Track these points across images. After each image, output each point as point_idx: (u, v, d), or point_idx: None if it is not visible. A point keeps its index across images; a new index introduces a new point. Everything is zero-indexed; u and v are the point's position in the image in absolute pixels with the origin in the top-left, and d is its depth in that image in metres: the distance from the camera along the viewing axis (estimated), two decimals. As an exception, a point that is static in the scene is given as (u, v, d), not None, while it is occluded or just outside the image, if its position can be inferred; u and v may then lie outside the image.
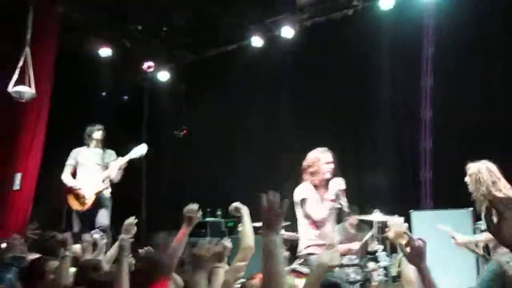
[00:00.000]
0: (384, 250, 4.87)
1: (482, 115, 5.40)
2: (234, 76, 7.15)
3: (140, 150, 5.28)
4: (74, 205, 5.24)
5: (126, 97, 7.93)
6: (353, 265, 4.60)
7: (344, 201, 3.76)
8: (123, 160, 5.24)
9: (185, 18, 6.59)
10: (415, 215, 5.17)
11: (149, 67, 7.26)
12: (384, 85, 6.20)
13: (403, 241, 2.28)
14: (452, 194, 5.06)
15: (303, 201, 3.79)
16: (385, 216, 4.84)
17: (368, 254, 5.14)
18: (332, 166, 3.81)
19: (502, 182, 3.37)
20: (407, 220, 5.10)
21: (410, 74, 6.02)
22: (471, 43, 5.47)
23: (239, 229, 3.08)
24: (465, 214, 4.67)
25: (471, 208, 4.53)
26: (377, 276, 4.65)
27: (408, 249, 1.83)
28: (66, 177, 5.29)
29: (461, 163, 5.29)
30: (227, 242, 2.69)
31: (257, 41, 6.43)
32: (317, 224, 3.81)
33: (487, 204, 1.21)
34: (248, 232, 2.90)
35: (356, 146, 6.47)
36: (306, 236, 3.87)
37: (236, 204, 3.16)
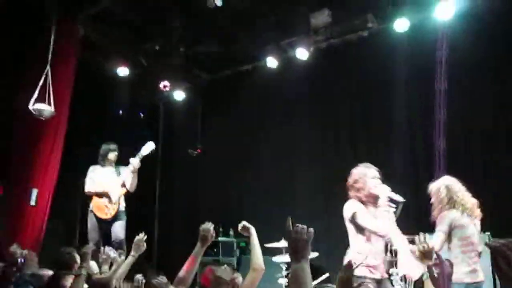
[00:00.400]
0: (398, 274, 4.79)
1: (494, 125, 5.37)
2: (249, 96, 7.23)
3: (148, 147, 5.37)
4: (99, 213, 5.33)
5: (142, 115, 8.04)
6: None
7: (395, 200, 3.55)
8: (135, 161, 5.32)
9: (202, 38, 6.72)
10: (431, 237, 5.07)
11: (165, 86, 7.38)
12: (399, 106, 6.19)
13: (430, 262, 2.24)
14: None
15: (354, 215, 3.63)
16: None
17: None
18: (378, 181, 3.68)
19: (461, 195, 3.63)
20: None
21: (425, 97, 6.01)
22: (484, 62, 5.47)
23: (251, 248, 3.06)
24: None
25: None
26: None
27: (435, 271, 1.81)
28: (90, 187, 5.39)
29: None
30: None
31: (272, 62, 6.48)
32: (372, 238, 3.61)
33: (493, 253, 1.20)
34: (257, 253, 2.89)
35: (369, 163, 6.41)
36: (358, 252, 3.64)
37: (244, 223, 3.15)
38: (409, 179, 5.99)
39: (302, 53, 6.20)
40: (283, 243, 5.02)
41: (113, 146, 5.54)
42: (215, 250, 6.59)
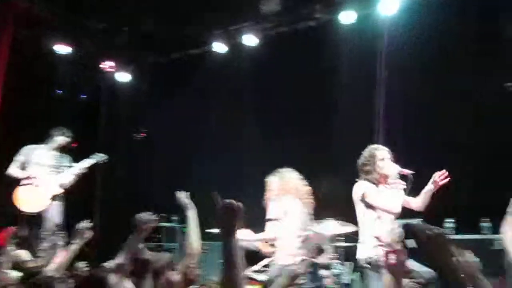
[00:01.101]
0: (337, 258, 4.99)
1: (435, 127, 5.65)
2: (197, 81, 7.12)
3: (96, 159, 5.24)
4: (26, 206, 4.99)
5: (84, 96, 7.72)
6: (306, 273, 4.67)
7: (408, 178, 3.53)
8: (80, 167, 5.15)
9: (150, 20, 6.54)
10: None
11: (110, 67, 7.12)
12: (343, 96, 6.38)
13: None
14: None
15: (364, 195, 3.62)
16: (340, 225, 4.97)
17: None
18: (388, 162, 3.67)
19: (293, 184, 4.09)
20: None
21: (367, 87, 6.23)
22: (423, 56, 5.73)
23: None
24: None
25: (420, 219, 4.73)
26: (330, 284, 4.75)
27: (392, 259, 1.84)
28: (14, 171, 5.05)
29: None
30: None
31: (220, 47, 6.44)
32: (383, 217, 3.59)
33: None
34: (192, 236, 2.80)
35: (316, 154, 6.59)
36: (372, 234, 3.59)
37: (184, 197, 3.01)
38: (351, 167, 6.22)
39: (250, 40, 6.21)
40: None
41: (69, 133, 5.31)
42: (157, 236, 6.51)
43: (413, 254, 2.19)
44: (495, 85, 5.04)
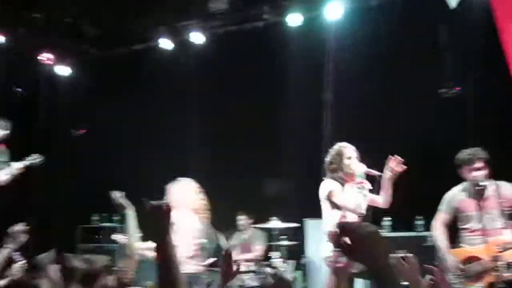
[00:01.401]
0: (280, 256, 5.07)
1: (379, 127, 5.87)
2: (142, 77, 6.94)
3: (34, 160, 4.98)
4: None
5: (19, 90, 7.28)
6: (249, 271, 4.72)
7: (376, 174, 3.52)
8: (16, 167, 4.87)
9: (93, 12, 6.28)
10: (309, 223, 5.43)
11: (48, 59, 6.76)
12: (290, 97, 6.48)
13: None
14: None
15: (329, 194, 3.61)
16: (283, 223, 5.05)
17: (264, 260, 5.31)
18: (354, 160, 3.64)
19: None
20: (301, 227, 5.37)
21: (314, 89, 6.38)
22: (369, 61, 5.95)
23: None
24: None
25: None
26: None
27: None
28: None
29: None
30: None
31: (166, 44, 6.32)
32: (347, 215, 3.56)
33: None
34: (132, 236, 2.70)
35: (260, 152, 6.64)
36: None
37: (120, 196, 2.94)
38: (299, 167, 6.34)
39: (197, 37, 6.16)
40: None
41: (8, 124, 4.97)
42: (97, 236, 6.28)
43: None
44: (431, 88, 5.31)
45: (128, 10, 6.20)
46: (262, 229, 5.35)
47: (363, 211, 3.51)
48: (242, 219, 5.61)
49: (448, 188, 3.81)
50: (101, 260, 2.27)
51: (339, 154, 3.68)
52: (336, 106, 6.14)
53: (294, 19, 5.82)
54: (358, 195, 3.47)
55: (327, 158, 3.75)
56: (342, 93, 6.14)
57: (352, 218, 3.49)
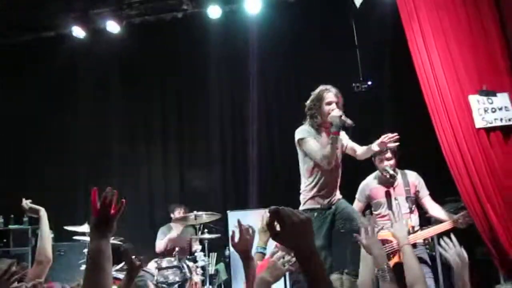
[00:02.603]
0: (202, 250, 5.05)
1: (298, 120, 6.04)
2: (52, 66, 6.46)
3: None
4: None
5: None
6: (172, 267, 4.64)
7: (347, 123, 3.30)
8: None
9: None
10: (231, 214, 5.47)
11: None
12: (210, 90, 6.46)
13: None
14: (273, 196, 5.59)
15: (300, 141, 3.43)
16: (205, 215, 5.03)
17: (188, 255, 5.27)
18: (333, 106, 3.39)
19: None
20: (225, 219, 5.40)
21: (234, 81, 6.42)
22: (288, 55, 6.10)
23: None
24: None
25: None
26: (195, 276, 4.79)
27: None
28: None
29: (275, 168, 5.85)
30: None
31: (78, 32, 5.96)
32: (318, 170, 3.41)
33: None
34: (44, 241, 2.51)
35: (181, 144, 6.56)
36: (304, 186, 3.50)
37: (27, 202, 2.72)
38: (221, 159, 6.36)
39: (112, 26, 5.88)
40: (85, 228, 4.75)
41: None
42: (4, 240, 5.78)
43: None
44: (347, 83, 5.58)
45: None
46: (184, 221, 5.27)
47: (329, 164, 3.33)
48: (175, 212, 5.50)
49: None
50: (4, 263, 2.06)
51: (319, 99, 3.44)
52: (258, 99, 6.24)
53: (213, 11, 5.78)
54: (330, 146, 3.29)
55: (307, 102, 3.50)
56: (263, 86, 6.26)
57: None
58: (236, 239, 2.20)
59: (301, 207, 3.48)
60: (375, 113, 5.42)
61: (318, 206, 3.43)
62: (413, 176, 3.87)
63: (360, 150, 3.61)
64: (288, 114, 6.15)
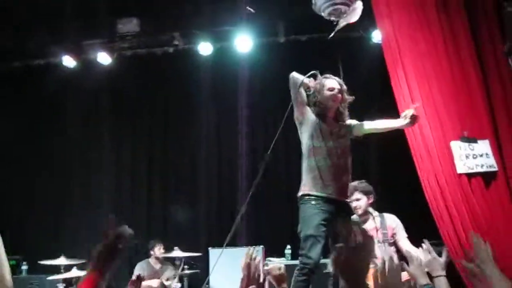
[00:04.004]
0: (181, 287, 4.92)
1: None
2: (39, 95, 6.44)
3: None
4: None
5: None
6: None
7: None
8: None
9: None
10: (213, 252, 5.37)
11: None
12: (200, 124, 6.48)
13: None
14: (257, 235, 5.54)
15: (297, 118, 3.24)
16: (185, 253, 4.93)
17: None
18: (336, 92, 3.20)
19: None
20: (207, 256, 5.31)
21: (224, 118, 6.47)
22: (277, 93, 6.17)
23: None
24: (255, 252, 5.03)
25: (261, 246, 4.96)
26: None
27: None
28: None
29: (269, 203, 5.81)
30: None
31: (69, 61, 5.99)
32: (319, 151, 3.11)
33: None
34: (4, 267, 2.32)
35: (166, 180, 6.50)
36: (304, 168, 3.21)
37: None
38: (212, 191, 6.30)
39: (103, 58, 5.93)
40: (61, 260, 4.62)
41: None
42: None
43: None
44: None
45: (27, 24, 5.81)
46: (165, 258, 5.16)
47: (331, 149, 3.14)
48: (155, 248, 5.38)
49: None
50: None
51: (321, 86, 3.25)
52: (247, 136, 6.26)
53: (204, 48, 5.89)
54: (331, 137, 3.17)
55: (310, 92, 3.28)
56: (251, 123, 6.30)
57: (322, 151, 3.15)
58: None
59: (299, 193, 3.17)
60: (359, 154, 5.47)
61: (318, 193, 3.08)
62: (391, 219, 3.82)
63: (382, 124, 3.30)
64: (277, 150, 6.19)
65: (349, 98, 3.26)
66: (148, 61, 6.31)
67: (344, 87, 3.27)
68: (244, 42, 5.75)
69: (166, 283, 4.57)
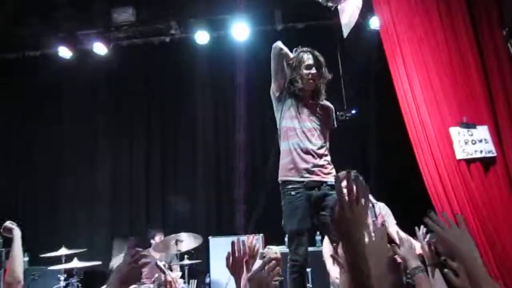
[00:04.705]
0: (182, 276, 4.94)
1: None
2: (34, 85, 6.39)
3: None
4: None
5: None
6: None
7: None
8: None
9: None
10: (213, 241, 5.39)
11: None
12: (200, 113, 6.46)
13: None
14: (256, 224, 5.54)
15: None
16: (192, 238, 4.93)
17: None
18: (313, 71, 3.02)
19: None
20: (207, 245, 5.33)
21: (221, 106, 6.44)
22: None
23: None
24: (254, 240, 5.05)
25: (261, 234, 4.98)
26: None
27: None
28: None
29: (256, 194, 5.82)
30: None
31: (65, 52, 5.93)
32: (292, 133, 2.96)
33: None
34: (16, 261, 2.41)
35: (163, 170, 6.49)
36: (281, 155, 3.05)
37: (9, 223, 2.67)
38: (211, 175, 6.29)
39: (99, 48, 5.88)
40: (62, 251, 4.62)
41: None
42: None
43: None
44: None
45: (21, 14, 5.75)
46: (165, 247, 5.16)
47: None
48: (156, 237, 5.38)
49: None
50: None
51: (299, 62, 3.04)
52: (244, 124, 6.25)
53: (201, 37, 5.84)
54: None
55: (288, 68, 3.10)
56: (248, 111, 6.28)
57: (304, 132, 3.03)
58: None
59: (278, 178, 3.04)
60: (359, 141, 5.48)
61: (296, 179, 2.94)
62: (380, 207, 3.81)
63: None
64: (273, 139, 6.18)
65: (328, 75, 3.08)
66: (144, 51, 6.27)
67: (323, 62, 3.07)
68: (241, 30, 5.70)
69: (160, 263, 4.55)
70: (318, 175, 2.95)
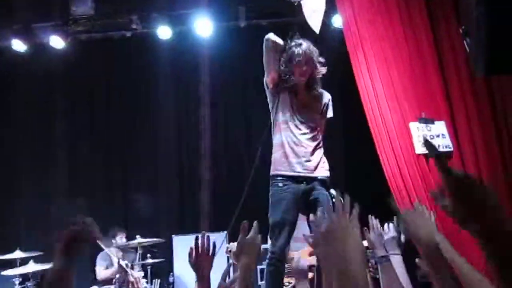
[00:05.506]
0: (145, 276, 4.84)
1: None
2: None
3: None
4: None
5: None
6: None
7: None
8: None
9: None
10: (177, 239, 5.32)
11: None
12: (162, 110, 6.35)
13: None
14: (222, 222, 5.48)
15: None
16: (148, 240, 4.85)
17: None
18: (303, 68, 2.98)
19: None
20: (170, 244, 5.24)
21: (183, 104, 6.36)
22: (238, 77, 6.13)
23: None
24: (220, 237, 5.02)
25: (225, 232, 4.94)
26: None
27: None
28: None
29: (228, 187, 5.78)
30: None
31: (18, 45, 5.67)
32: (285, 126, 2.94)
33: None
34: None
35: (124, 168, 6.34)
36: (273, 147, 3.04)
37: None
38: (174, 173, 6.19)
39: (56, 41, 5.66)
40: (17, 254, 4.42)
41: None
42: None
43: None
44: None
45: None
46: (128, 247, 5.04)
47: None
48: (117, 237, 5.23)
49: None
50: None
51: (290, 57, 3.01)
52: (207, 120, 6.21)
53: (163, 32, 5.73)
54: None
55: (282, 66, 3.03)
56: (212, 108, 6.24)
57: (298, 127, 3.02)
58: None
59: (270, 172, 3.03)
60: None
61: (287, 173, 2.94)
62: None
63: None
64: (237, 134, 6.17)
65: (323, 69, 3.06)
66: (104, 46, 6.08)
67: (314, 54, 3.02)
68: (204, 26, 5.63)
69: (122, 262, 4.44)
70: (310, 169, 2.96)
